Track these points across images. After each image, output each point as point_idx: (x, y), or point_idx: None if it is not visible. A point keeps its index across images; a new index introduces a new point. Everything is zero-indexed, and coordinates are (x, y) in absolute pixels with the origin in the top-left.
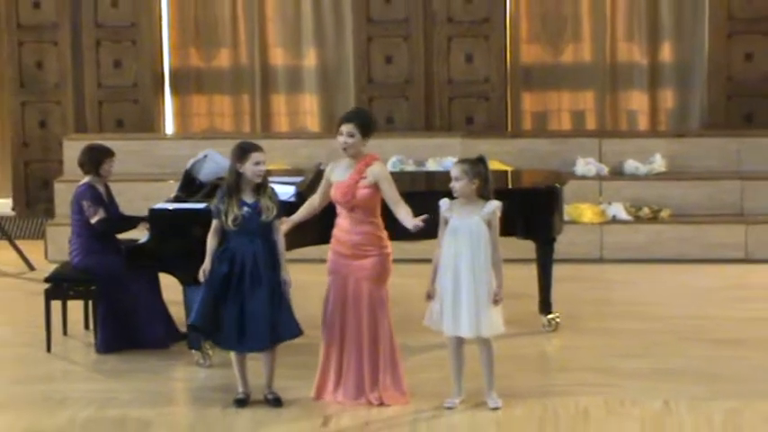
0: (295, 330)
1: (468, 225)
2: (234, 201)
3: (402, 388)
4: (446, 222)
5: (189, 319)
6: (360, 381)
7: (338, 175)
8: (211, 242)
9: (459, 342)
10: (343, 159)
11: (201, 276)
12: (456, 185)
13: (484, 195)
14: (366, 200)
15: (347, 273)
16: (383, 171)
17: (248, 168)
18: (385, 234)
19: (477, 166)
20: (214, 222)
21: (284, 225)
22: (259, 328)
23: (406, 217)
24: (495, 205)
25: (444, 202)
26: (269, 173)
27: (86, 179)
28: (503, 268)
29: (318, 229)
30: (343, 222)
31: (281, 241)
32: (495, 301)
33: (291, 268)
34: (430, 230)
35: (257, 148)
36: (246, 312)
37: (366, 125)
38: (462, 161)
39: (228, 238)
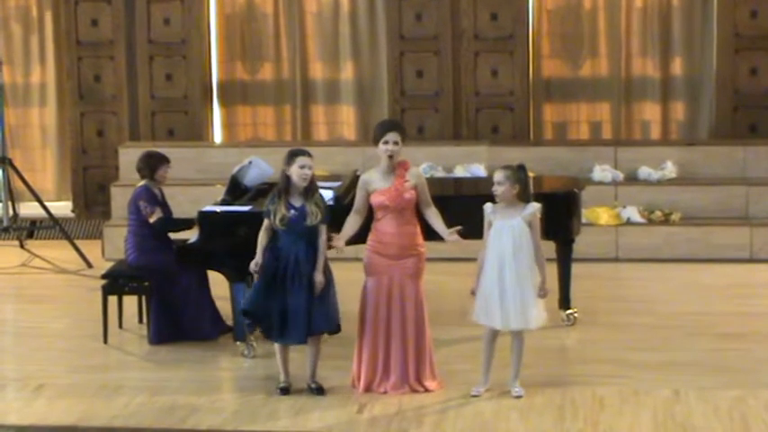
0: (324, 326)
1: (511, 226)
2: (282, 202)
3: (437, 375)
4: (490, 225)
5: (241, 305)
6: (404, 372)
7: (379, 183)
8: (262, 238)
9: (495, 335)
10: (377, 169)
11: (253, 268)
12: (498, 189)
13: (523, 199)
14: (413, 202)
15: (391, 273)
16: (421, 174)
17: (294, 171)
18: (420, 234)
19: (517, 172)
20: (265, 221)
21: (339, 242)
22: (298, 324)
23: (441, 226)
24: (535, 207)
25: (488, 206)
26: None
27: (143, 182)
28: (546, 265)
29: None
30: (388, 226)
31: (323, 244)
32: (541, 295)
33: (331, 267)
34: (471, 232)
35: (305, 153)
36: (288, 308)
37: (405, 132)
38: (505, 168)
39: (278, 237)
